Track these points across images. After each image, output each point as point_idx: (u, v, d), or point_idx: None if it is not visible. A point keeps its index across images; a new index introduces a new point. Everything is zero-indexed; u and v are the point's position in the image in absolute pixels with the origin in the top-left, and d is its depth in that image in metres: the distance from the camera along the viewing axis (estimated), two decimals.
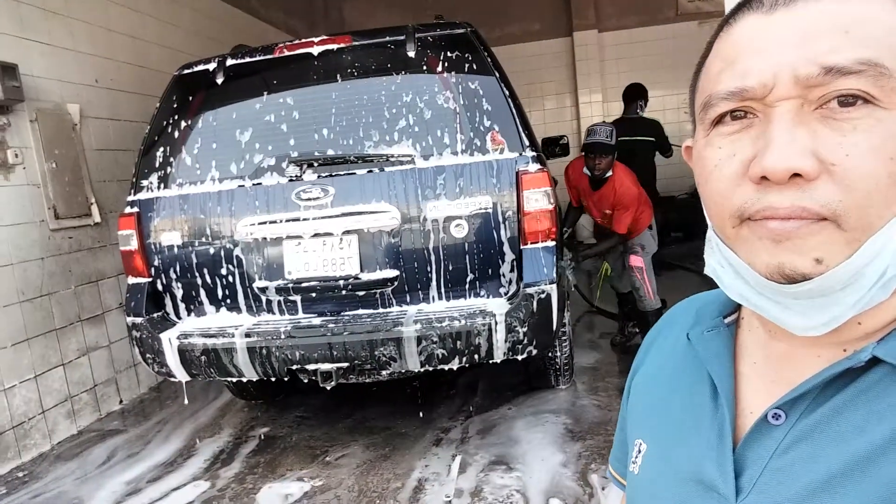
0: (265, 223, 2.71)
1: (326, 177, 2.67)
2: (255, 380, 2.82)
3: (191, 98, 2.87)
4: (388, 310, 2.74)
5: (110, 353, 3.98)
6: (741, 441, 0.51)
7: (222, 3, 5.52)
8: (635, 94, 4.97)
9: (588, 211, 4.08)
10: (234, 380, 2.82)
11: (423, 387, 3.92)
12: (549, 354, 3.34)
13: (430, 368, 2.67)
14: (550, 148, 3.98)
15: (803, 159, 0.43)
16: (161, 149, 2.85)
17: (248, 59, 2.87)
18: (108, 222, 3.96)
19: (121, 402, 4.06)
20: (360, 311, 2.75)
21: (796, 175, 0.43)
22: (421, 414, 3.50)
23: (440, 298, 2.72)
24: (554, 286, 2.59)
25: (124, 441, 3.57)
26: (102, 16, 4.03)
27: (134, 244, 2.82)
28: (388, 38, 2.79)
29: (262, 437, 3.46)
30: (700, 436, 0.55)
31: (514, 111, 2.64)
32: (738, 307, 0.59)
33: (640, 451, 0.63)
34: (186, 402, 4.07)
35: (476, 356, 2.61)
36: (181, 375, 2.83)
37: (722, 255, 0.51)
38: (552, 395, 3.60)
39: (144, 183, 2.85)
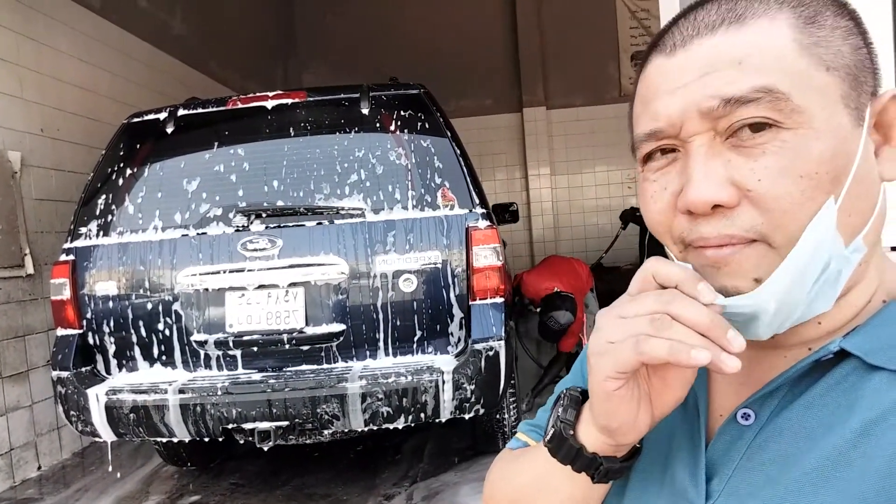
0: (208, 274, 2.63)
1: (275, 227, 2.64)
2: (186, 440, 2.66)
3: (139, 146, 2.83)
4: (332, 365, 2.66)
5: (32, 413, 3.71)
6: (710, 444, 0.51)
7: (178, 62, 5.56)
8: None
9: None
10: (165, 440, 2.65)
11: (366, 450, 3.78)
12: (497, 416, 3.27)
13: (375, 428, 2.58)
14: (501, 214, 4.05)
15: (720, 191, 0.45)
16: (103, 196, 2.77)
17: (199, 110, 2.87)
18: (41, 275, 3.78)
19: (39, 468, 3.76)
20: (304, 367, 2.67)
21: (718, 206, 0.46)
22: (363, 479, 3.35)
23: (387, 354, 2.67)
24: (503, 343, 2.58)
25: None
26: (53, 66, 3.99)
27: (66, 293, 2.69)
28: (342, 96, 2.84)
29: None
30: (671, 441, 0.54)
31: (464, 169, 2.70)
32: None
33: None
34: (111, 467, 3.82)
35: (422, 414, 2.54)
36: (107, 435, 2.65)
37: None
38: None
39: (83, 230, 2.76)
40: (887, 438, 0.43)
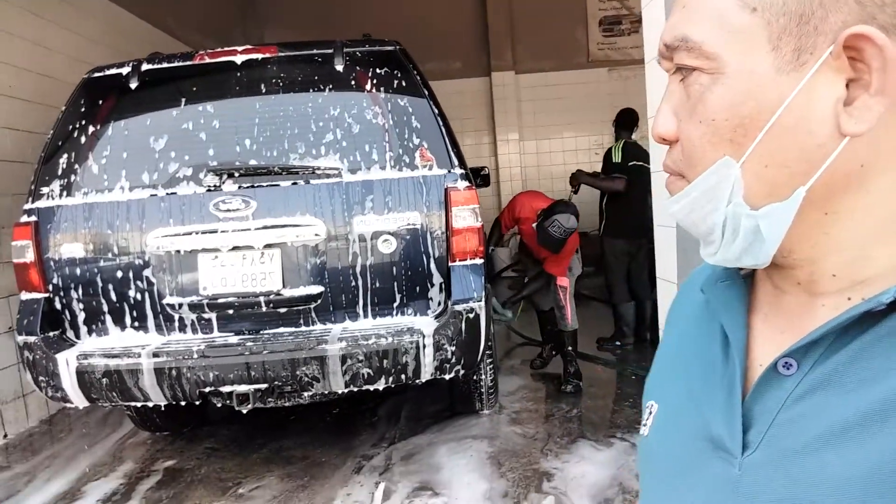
0: (179, 235, 2.56)
1: (248, 188, 2.57)
2: (162, 405, 2.62)
3: (101, 102, 2.70)
4: (310, 328, 2.64)
5: None
6: (749, 394, 0.49)
7: (135, 18, 5.31)
8: (633, 120, 4.82)
9: (524, 240, 4.09)
10: (140, 404, 2.61)
11: (343, 414, 3.78)
12: (474, 378, 3.31)
13: (355, 389, 2.57)
14: (472, 178, 4.02)
15: (665, 127, 0.49)
16: (65, 154, 2.65)
17: (165, 65, 2.75)
18: None
19: (5, 436, 3.66)
20: (281, 330, 2.63)
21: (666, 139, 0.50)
22: (340, 442, 3.36)
23: (366, 316, 2.65)
24: (482, 304, 2.58)
25: (6, 479, 3.21)
26: (2, 19, 3.77)
27: (30, 256, 2.59)
28: (315, 52, 2.75)
29: (167, 470, 3.20)
30: (710, 392, 0.53)
31: (443, 129, 2.66)
32: None
33: (650, 413, 0.61)
34: (80, 435, 3.74)
35: (403, 375, 2.55)
36: (78, 400, 2.59)
37: None
38: (475, 420, 3.56)
39: (45, 190, 2.64)
40: None
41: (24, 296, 2.64)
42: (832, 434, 0.43)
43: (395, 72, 2.70)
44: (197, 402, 2.59)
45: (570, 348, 3.99)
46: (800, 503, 0.44)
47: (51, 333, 2.62)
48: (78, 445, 3.59)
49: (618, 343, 4.82)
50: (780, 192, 0.45)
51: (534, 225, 3.70)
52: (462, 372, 2.62)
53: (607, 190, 4.67)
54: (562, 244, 3.63)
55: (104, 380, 2.51)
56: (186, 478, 3.11)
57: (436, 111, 2.67)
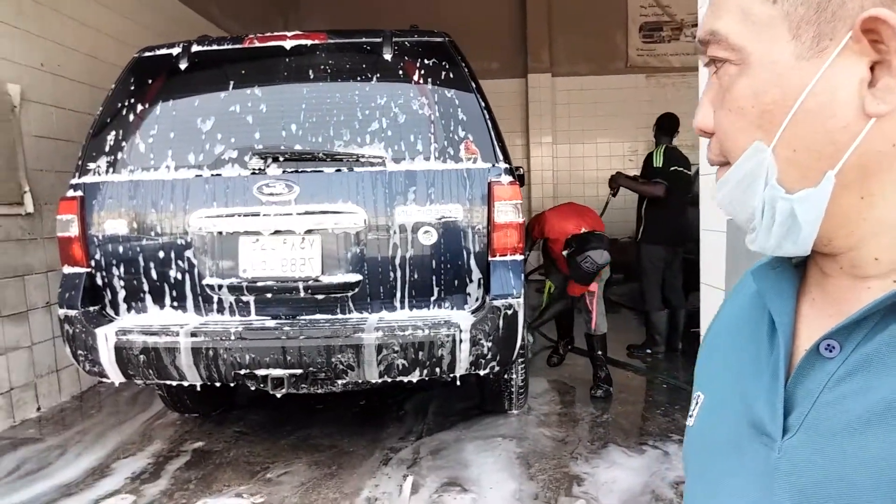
0: (222, 216, 2.57)
1: (292, 172, 2.57)
2: (197, 385, 2.63)
3: (150, 81, 2.72)
4: (347, 316, 2.63)
5: (31, 354, 3.65)
6: (791, 377, 0.49)
7: (181, 4, 5.38)
8: (674, 125, 4.73)
9: (552, 254, 4.02)
10: (175, 384, 2.62)
11: (370, 406, 3.77)
12: (506, 376, 3.27)
13: (389, 380, 2.56)
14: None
15: (705, 119, 0.51)
16: (113, 132, 2.68)
17: (215, 47, 2.76)
18: (41, 214, 3.69)
19: (38, 409, 3.72)
20: (318, 316, 2.63)
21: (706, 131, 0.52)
22: (367, 433, 3.35)
23: (402, 307, 2.63)
24: (521, 300, 2.55)
25: (39, 451, 3.25)
26: None
27: (74, 230, 2.62)
28: (364, 40, 2.75)
29: (195, 452, 3.22)
30: (755, 377, 0.53)
31: (489, 123, 2.63)
32: None
33: (697, 404, 0.61)
34: (111, 411, 3.79)
35: (438, 369, 2.52)
36: (115, 376, 2.61)
37: None
38: (503, 420, 3.53)
39: (91, 166, 2.67)
40: None
41: (67, 270, 2.67)
42: (873, 414, 0.43)
43: (444, 63, 2.68)
44: (231, 384, 2.60)
45: (599, 352, 3.93)
46: (839, 484, 0.44)
47: (91, 308, 2.64)
48: (108, 422, 3.63)
49: (648, 350, 4.75)
50: (811, 177, 0.45)
51: (564, 253, 3.63)
52: (497, 368, 2.59)
53: (647, 194, 4.59)
54: (593, 277, 3.59)
55: (141, 357, 2.53)
56: (215, 460, 3.12)
57: (482, 104, 2.65)
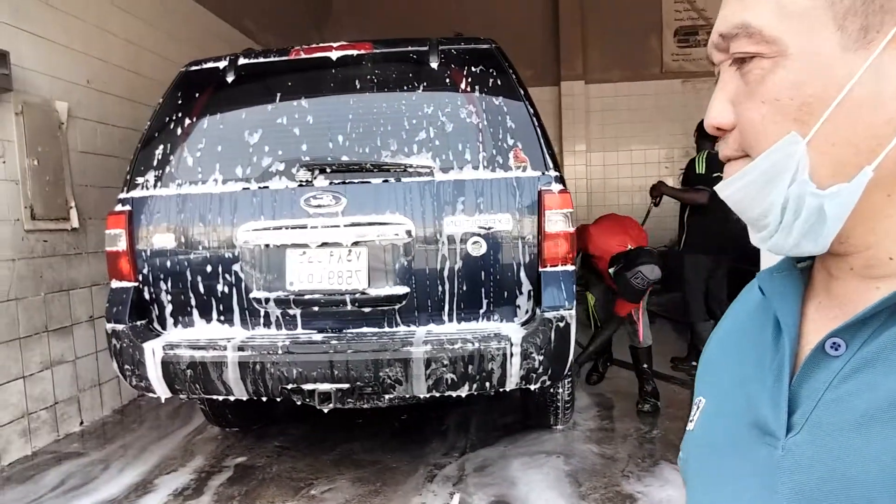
0: (269, 229, 2.54)
1: (339, 184, 2.54)
2: (243, 399, 2.60)
3: (197, 95, 2.72)
4: (394, 329, 2.58)
5: (75, 368, 3.68)
6: (795, 376, 0.49)
7: (219, 20, 5.44)
8: None
9: (594, 267, 3.89)
10: (222, 398, 2.59)
11: (411, 421, 3.71)
12: (552, 390, 3.19)
13: (437, 395, 2.50)
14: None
15: (719, 115, 0.49)
16: (161, 146, 2.68)
17: (261, 60, 2.75)
18: (86, 229, 3.73)
19: (81, 423, 3.74)
20: (365, 329, 2.58)
21: (723, 129, 0.50)
22: (410, 449, 3.29)
23: (450, 320, 2.57)
24: (573, 312, 2.47)
25: (83, 465, 3.25)
26: (99, 15, 3.89)
27: (122, 245, 2.62)
28: (410, 49, 2.71)
29: (237, 467, 3.19)
30: (759, 379, 0.53)
31: (538, 130, 2.57)
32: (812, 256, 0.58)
33: (698, 408, 0.61)
34: (152, 426, 3.79)
35: (487, 383, 2.46)
36: (162, 391, 2.59)
37: None
38: (548, 435, 3.44)
39: (139, 180, 2.67)
40: None
41: (115, 284, 2.67)
42: (878, 410, 0.43)
43: (491, 70, 2.63)
44: (278, 399, 2.56)
45: (645, 365, 3.82)
46: (842, 480, 0.44)
47: (138, 322, 2.64)
48: (149, 437, 3.63)
49: (693, 363, 4.61)
50: (845, 172, 0.44)
51: (611, 271, 3.47)
52: (548, 383, 2.52)
53: (690, 202, 4.48)
54: (643, 295, 3.44)
55: (188, 371, 2.51)
56: (258, 475, 3.09)
57: (531, 111, 2.59)
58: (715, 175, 4.36)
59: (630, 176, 8.31)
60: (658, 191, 4.56)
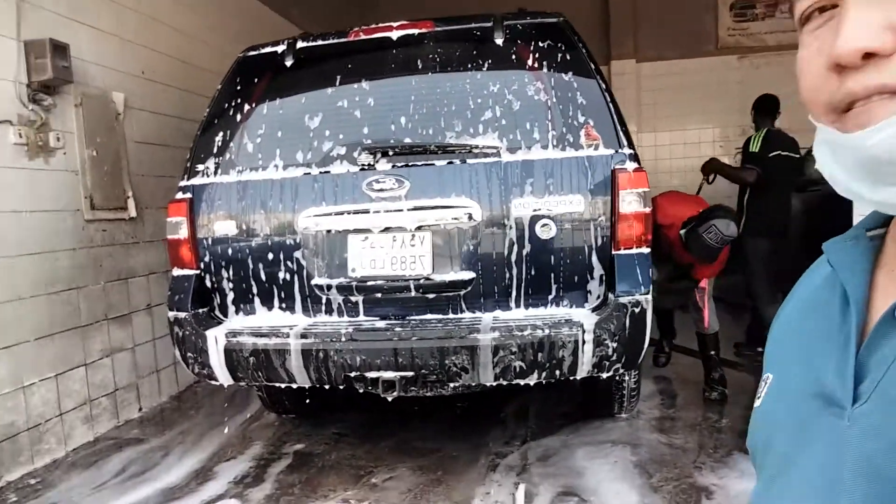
0: (331, 215, 2.49)
1: (402, 167, 2.46)
2: (306, 387, 2.56)
3: (256, 80, 2.68)
4: (459, 315, 2.50)
5: (134, 356, 3.71)
6: (863, 345, 0.47)
7: (267, 8, 5.41)
8: (775, 105, 4.43)
9: (663, 242, 3.71)
10: (284, 385, 2.56)
11: (469, 409, 3.65)
12: (617, 378, 3.07)
13: (504, 383, 2.41)
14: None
15: (873, 37, 0.41)
16: (221, 133, 2.64)
17: (320, 42, 2.69)
18: (143, 218, 3.75)
19: (140, 409, 3.78)
20: (429, 316, 2.51)
21: (871, 54, 0.41)
22: (470, 437, 3.22)
23: (517, 306, 2.48)
24: (649, 297, 2.35)
25: (143, 452, 3.28)
26: (150, 5, 3.89)
27: (184, 233, 2.59)
28: (473, 26, 2.61)
29: (297, 454, 3.18)
30: (826, 350, 0.51)
31: (610, 105, 2.45)
32: (884, 223, 0.53)
33: (766, 384, 0.59)
34: (209, 412, 3.81)
35: (557, 371, 2.36)
36: (224, 378, 2.57)
37: (820, 135, 0.48)
38: (611, 424, 3.33)
39: (200, 168, 2.64)
40: None
41: (176, 272, 2.66)
42: None
43: (559, 45, 2.51)
44: (341, 387, 2.51)
45: (713, 352, 3.68)
46: None
47: (200, 310, 2.62)
48: (207, 423, 3.65)
49: (760, 349, 4.43)
50: None
51: (681, 232, 3.28)
52: (622, 371, 2.41)
53: (737, 180, 4.32)
54: (717, 253, 3.22)
55: (251, 359, 2.48)
56: (317, 462, 3.07)
57: (603, 86, 2.47)
58: (774, 154, 4.15)
59: (683, 157, 8.04)
60: (710, 167, 4.37)
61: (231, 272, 2.60)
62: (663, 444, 3.07)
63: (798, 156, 4.30)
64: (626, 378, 3.08)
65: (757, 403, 0.60)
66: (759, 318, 4.48)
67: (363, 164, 2.47)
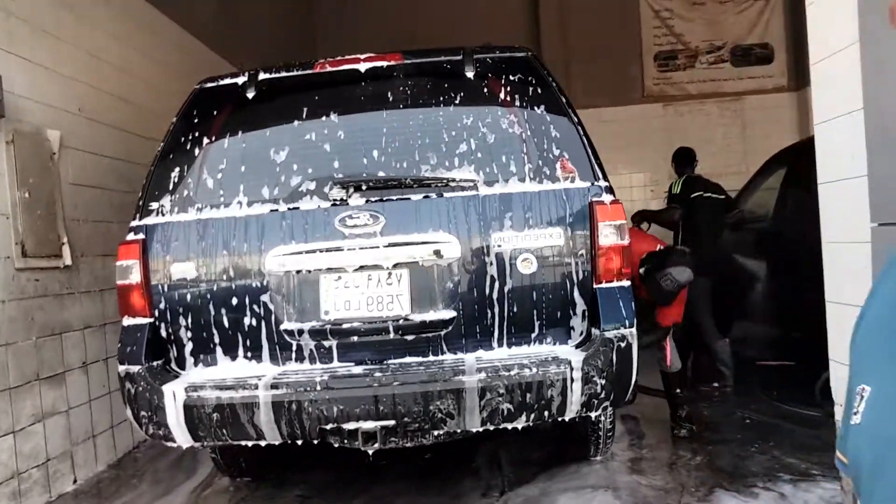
0: (301, 253, 2.34)
1: (377, 201, 2.35)
2: (275, 444, 2.34)
3: (215, 112, 2.53)
4: (440, 357, 2.37)
5: (68, 420, 3.34)
6: None
7: (205, 47, 5.26)
8: (690, 157, 4.91)
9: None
10: (251, 443, 2.33)
11: (437, 460, 3.46)
12: (593, 418, 2.99)
13: (491, 428, 2.29)
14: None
15: None
16: (177, 168, 2.47)
17: (284, 74, 2.58)
18: (78, 267, 3.44)
19: (75, 481, 3.38)
20: (408, 359, 2.37)
21: None
22: (445, 490, 3.04)
23: (500, 345, 2.38)
24: (633, 331, 2.30)
25: None
26: (90, 41, 3.68)
27: (136, 277, 2.37)
28: (443, 59, 2.58)
29: None
30: None
31: (584, 138, 2.44)
32: None
33: (862, 398, 0.56)
34: (153, 480, 3.45)
35: (546, 412, 2.26)
36: (183, 439, 2.32)
37: None
38: (587, 467, 3.22)
39: (154, 206, 2.44)
40: None
41: (127, 321, 2.42)
42: None
43: (530, 78, 2.51)
44: (314, 442, 2.31)
45: (678, 390, 3.67)
46: None
47: (155, 363, 2.38)
48: (151, 493, 3.30)
49: (716, 384, 4.48)
50: None
51: (641, 271, 3.27)
52: (611, 409, 2.34)
53: (664, 223, 4.67)
54: (673, 297, 3.29)
55: (215, 415, 2.25)
56: None
57: (575, 119, 2.46)
58: (694, 196, 4.51)
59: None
60: (640, 217, 4.63)
61: (189, 320, 2.39)
62: (644, 486, 2.98)
63: (723, 197, 4.69)
64: (603, 419, 3.00)
65: (855, 420, 0.56)
66: (711, 351, 4.56)
67: (335, 200, 2.35)
